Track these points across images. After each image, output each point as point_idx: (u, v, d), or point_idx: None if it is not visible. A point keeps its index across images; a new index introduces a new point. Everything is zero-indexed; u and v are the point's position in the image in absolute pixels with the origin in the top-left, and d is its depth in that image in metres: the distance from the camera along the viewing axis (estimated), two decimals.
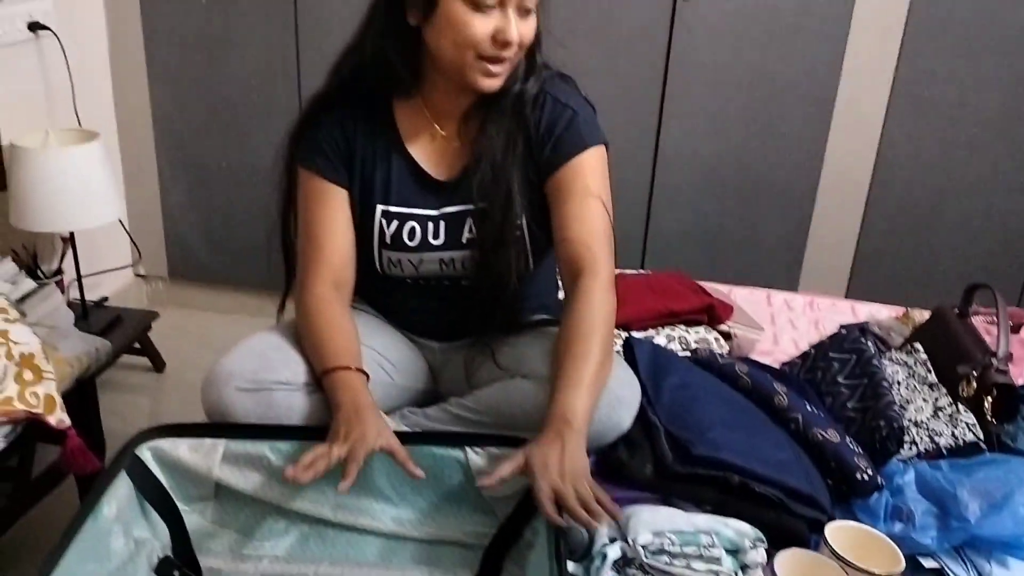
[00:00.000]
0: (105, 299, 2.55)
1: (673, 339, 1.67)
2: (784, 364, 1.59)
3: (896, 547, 1.07)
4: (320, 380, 1.22)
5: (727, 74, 2.43)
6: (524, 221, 1.31)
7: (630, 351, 1.35)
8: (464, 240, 1.33)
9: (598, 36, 2.42)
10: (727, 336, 1.71)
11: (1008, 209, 2.44)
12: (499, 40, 1.20)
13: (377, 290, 1.42)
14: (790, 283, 2.56)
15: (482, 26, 1.20)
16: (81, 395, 1.89)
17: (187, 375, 2.58)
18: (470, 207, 1.32)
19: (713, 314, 1.71)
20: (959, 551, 1.13)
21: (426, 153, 1.34)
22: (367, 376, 1.24)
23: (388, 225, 1.33)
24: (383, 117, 1.34)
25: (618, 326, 1.60)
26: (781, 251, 2.59)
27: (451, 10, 1.20)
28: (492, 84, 1.25)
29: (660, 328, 1.69)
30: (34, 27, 2.29)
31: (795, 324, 1.85)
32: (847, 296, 2.54)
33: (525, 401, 1.22)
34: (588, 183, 1.28)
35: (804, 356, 1.56)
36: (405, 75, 1.29)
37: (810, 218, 2.54)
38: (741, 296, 1.94)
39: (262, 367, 1.22)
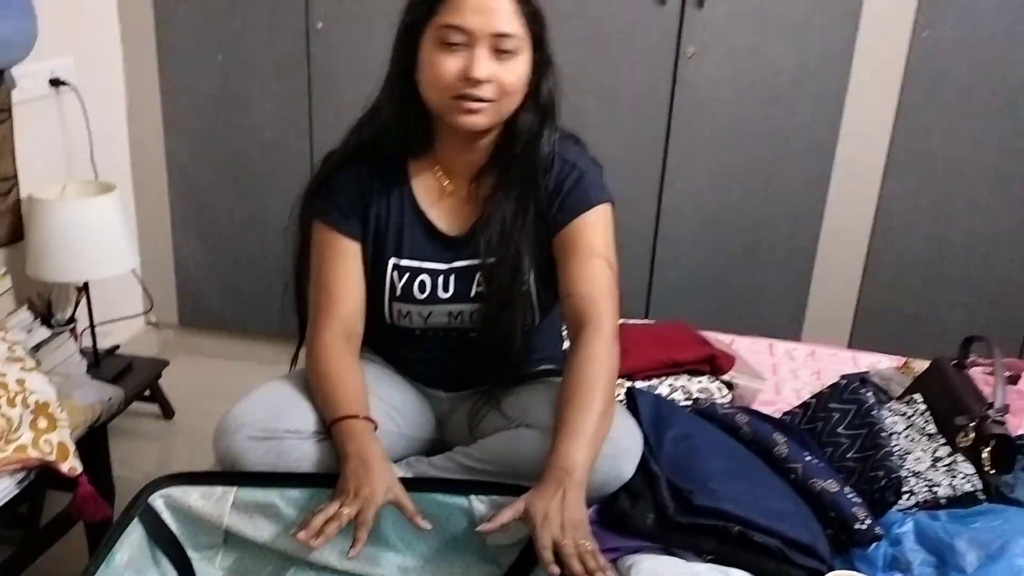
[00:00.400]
0: (116, 347, 2.59)
1: (676, 389, 1.69)
2: (785, 414, 1.61)
3: None
4: (329, 429, 1.25)
5: (728, 130, 2.48)
6: (532, 279, 1.35)
7: (632, 401, 1.38)
8: (472, 294, 1.37)
9: (603, 94, 2.49)
10: (729, 386, 1.74)
11: (1008, 262, 2.47)
12: (467, 78, 1.24)
13: (386, 341, 1.45)
14: (793, 333, 2.58)
15: (451, 64, 1.24)
16: (92, 442, 1.92)
17: (196, 422, 2.61)
18: (479, 262, 1.36)
19: (715, 364, 1.74)
20: None
21: (438, 210, 1.39)
22: (375, 425, 1.27)
23: (399, 278, 1.37)
24: (397, 175, 1.39)
25: (621, 375, 1.63)
26: (784, 302, 2.62)
27: (426, 53, 1.26)
28: (473, 121, 1.27)
29: (663, 378, 1.71)
30: (55, 83, 2.38)
31: (797, 374, 1.87)
32: (850, 346, 2.56)
33: (529, 450, 1.24)
34: (593, 241, 1.32)
35: (805, 406, 1.58)
36: (419, 135, 1.35)
37: (811, 270, 2.58)
38: (743, 346, 1.97)
39: (273, 416, 1.25)
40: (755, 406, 1.70)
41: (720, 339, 1.93)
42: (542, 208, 1.34)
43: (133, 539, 1.11)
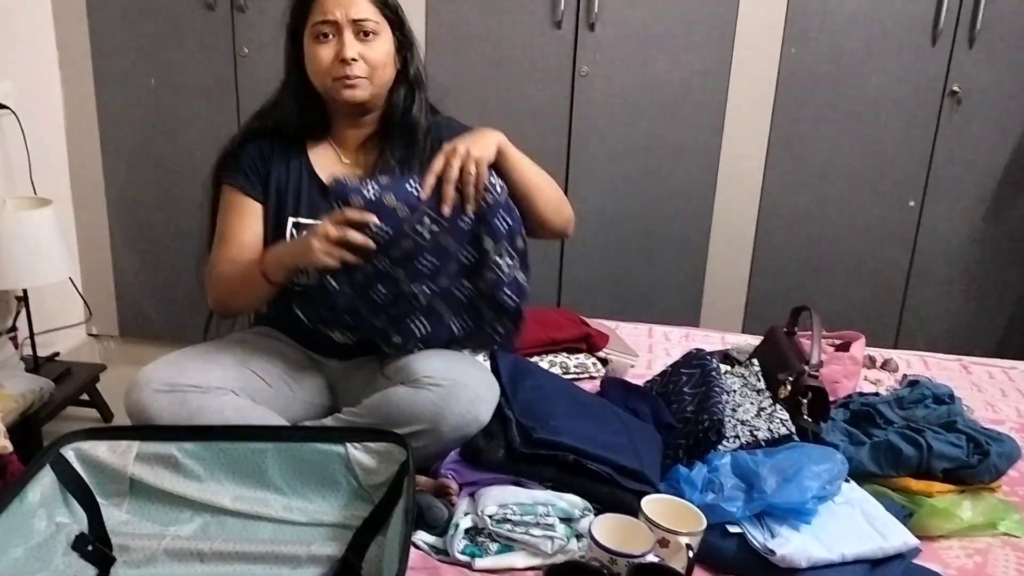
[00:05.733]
0: (56, 354, 2.74)
1: (555, 364, 1.89)
2: (647, 382, 1.82)
3: (700, 513, 1.28)
4: (266, 277, 1.49)
5: (623, 141, 2.72)
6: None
7: (494, 362, 1.58)
8: None
9: (507, 110, 2.71)
10: (604, 361, 1.94)
11: (880, 255, 2.72)
12: (340, 59, 1.52)
13: (283, 310, 1.63)
14: (691, 324, 2.80)
15: (326, 53, 1.53)
16: (26, 434, 2.07)
17: None
18: None
19: (591, 342, 1.94)
20: (760, 518, 1.34)
21: (331, 174, 1.59)
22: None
23: (298, 234, 1.58)
24: (296, 148, 1.63)
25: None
26: (682, 295, 2.84)
27: (307, 49, 1.55)
28: (353, 94, 1.55)
29: (544, 355, 1.91)
30: None
31: (670, 352, 2.08)
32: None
33: (401, 402, 1.43)
34: None
35: (663, 374, 1.79)
36: (317, 121, 1.60)
37: (705, 265, 2.81)
38: (626, 330, 2.18)
39: (176, 373, 1.44)
40: (626, 378, 1.90)
41: (605, 324, 2.14)
42: None
43: (45, 483, 1.27)
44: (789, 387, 1.58)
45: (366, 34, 1.52)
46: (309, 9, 1.52)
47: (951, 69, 2.53)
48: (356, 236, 1.36)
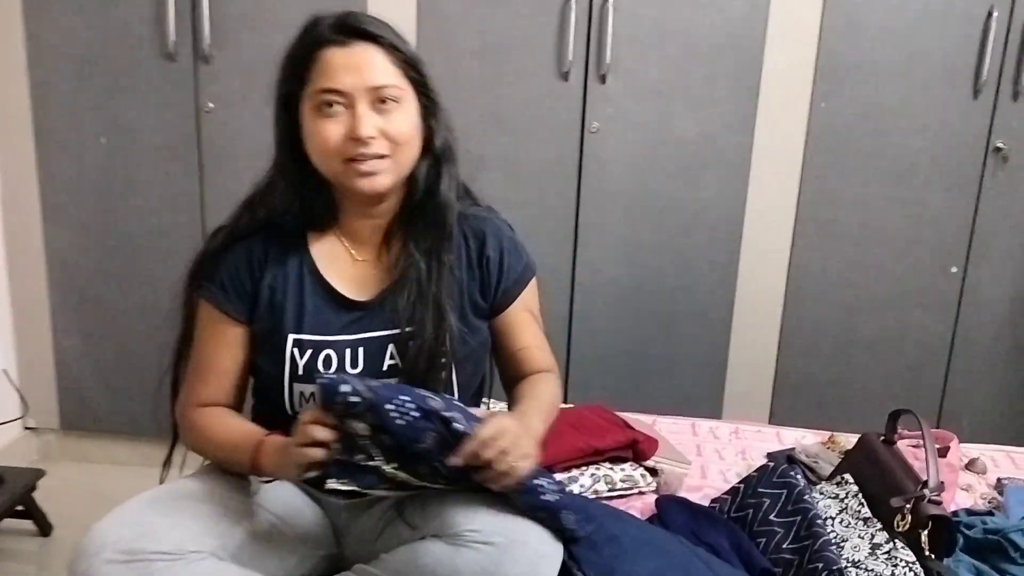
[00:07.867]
0: None
1: (598, 479, 1.58)
2: (713, 501, 1.52)
3: None
4: (253, 470, 1.20)
5: (638, 203, 2.45)
6: (450, 345, 1.24)
7: None
8: (385, 367, 1.26)
9: (510, 170, 2.43)
10: (654, 472, 1.63)
11: (920, 326, 2.48)
12: (353, 138, 1.18)
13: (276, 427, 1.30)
14: (713, 408, 2.52)
15: (334, 129, 1.19)
16: None
17: (77, 538, 2.35)
18: (393, 332, 1.25)
19: (638, 449, 1.63)
20: None
21: (343, 277, 1.29)
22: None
23: (301, 356, 1.25)
24: (296, 244, 1.29)
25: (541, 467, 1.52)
26: (702, 376, 2.56)
27: (307, 123, 1.21)
28: (372, 184, 1.22)
29: (584, 467, 1.60)
30: None
31: (722, 455, 1.79)
32: (771, 420, 2.51)
33: (439, 566, 1.10)
34: (533, 308, 1.38)
35: (733, 492, 1.49)
36: (320, 209, 1.27)
37: (728, 342, 2.53)
38: (665, 426, 1.88)
39: (138, 535, 1.09)
40: (682, 492, 1.60)
41: (641, 420, 1.84)
42: (483, 273, 1.31)
43: None
44: (908, 517, 1.29)
45: (383, 101, 1.19)
46: (307, 72, 1.18)
47: (995, 124, 2.33)
48: (321, 433, 1.06)
